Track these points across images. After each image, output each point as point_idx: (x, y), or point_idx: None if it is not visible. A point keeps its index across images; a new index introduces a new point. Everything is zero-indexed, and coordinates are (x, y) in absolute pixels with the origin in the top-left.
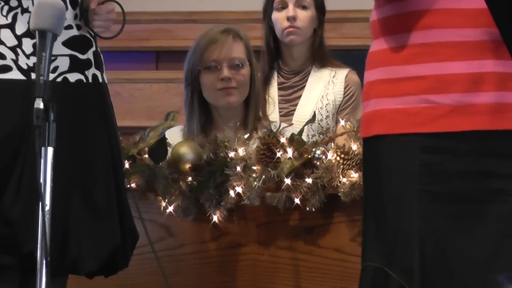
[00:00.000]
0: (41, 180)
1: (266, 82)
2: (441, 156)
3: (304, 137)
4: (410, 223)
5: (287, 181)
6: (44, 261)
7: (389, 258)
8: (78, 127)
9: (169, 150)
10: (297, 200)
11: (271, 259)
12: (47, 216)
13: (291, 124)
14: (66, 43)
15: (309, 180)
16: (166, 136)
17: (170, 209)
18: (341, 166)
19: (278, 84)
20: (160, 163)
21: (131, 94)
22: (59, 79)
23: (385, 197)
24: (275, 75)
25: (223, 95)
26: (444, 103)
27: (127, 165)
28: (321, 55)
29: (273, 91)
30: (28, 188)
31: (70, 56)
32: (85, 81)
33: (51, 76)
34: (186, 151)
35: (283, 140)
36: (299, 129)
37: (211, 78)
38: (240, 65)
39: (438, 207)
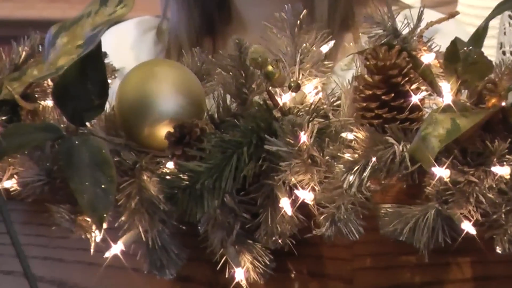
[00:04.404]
0: None
1: None
2: None
3: (488, 53)
4: None
5: (441, 172)
6: None
7: None
8: None
9: (114, 85)
10: (467, 227)
11: None
12: None
13: (454, 14)
14: None
15: (504, 171)
16: (106, 47)
17: (116, 250)
18: None
19: None
20: (90, 123)
21: None
22: None
23: None
24: None
25: None
26: None
27: None
28: None
29: None
30: None
31: None
32: None
33: None
34: (161, 91)
35: (427, 58)
36: (474, 29)
37: None
38: None
39: None
